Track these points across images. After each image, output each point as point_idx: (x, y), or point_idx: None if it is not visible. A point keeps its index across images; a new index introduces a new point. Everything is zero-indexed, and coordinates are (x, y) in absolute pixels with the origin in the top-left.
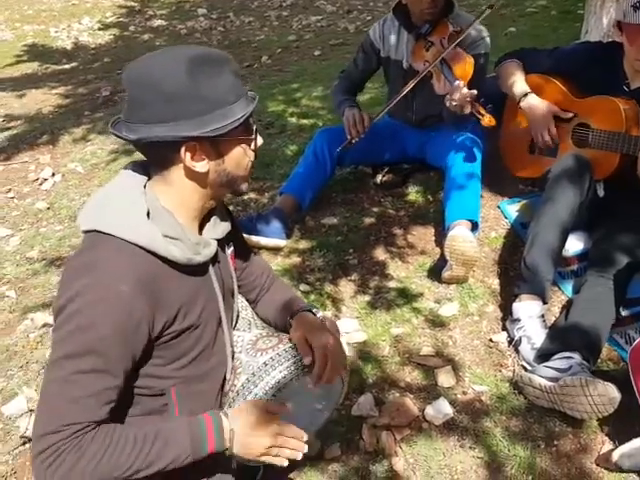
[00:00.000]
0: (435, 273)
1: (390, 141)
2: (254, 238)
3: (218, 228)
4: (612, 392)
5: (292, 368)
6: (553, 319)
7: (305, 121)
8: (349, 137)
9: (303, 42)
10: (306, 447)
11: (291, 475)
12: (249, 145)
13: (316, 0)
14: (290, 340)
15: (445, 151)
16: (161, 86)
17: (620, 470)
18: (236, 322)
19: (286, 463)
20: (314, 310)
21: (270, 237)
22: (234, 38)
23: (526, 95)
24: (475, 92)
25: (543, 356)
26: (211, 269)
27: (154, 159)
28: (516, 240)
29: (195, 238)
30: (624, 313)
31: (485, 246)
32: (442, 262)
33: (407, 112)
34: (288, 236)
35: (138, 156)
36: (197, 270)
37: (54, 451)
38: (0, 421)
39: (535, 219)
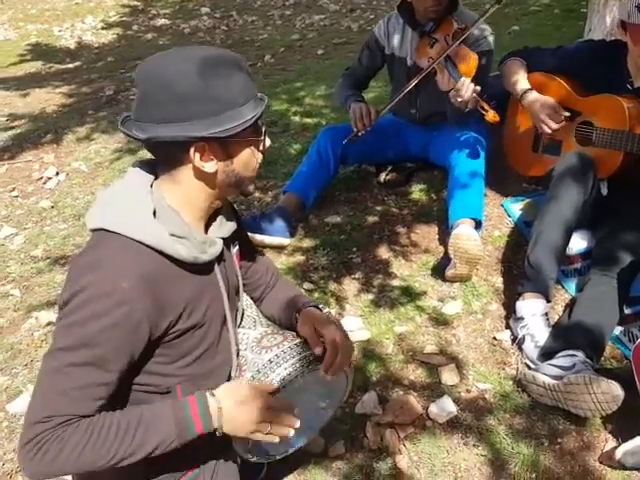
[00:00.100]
0: (439, 271)
1: (393, 139)
2: (258, 237)
3: (224, 227)
4: (615, 390)
5: (297, 365)
6: (557, 317)
7: (308, 120)
8: (355, 130)
9: (306, 41)
10: (297, 422)
11: (295, 473)
12: (257, 146)
13: None
14: (295, 337)
15: (448, 150)
16: (173, 86)
17: (623, 467)
18: (241, 320)
19: (277, 439)
20: (320, 306)
21: (274, 236)
22: (237, 37)
23: (527, 92)
24: (479, 88)
25: (547, 354)
26: (216, 268)
27: (163, 158)
28: (520, 239)
29: (201, 237)
30: (627, 311)
31: (488, 245)
32: (446, 260)
33: (411, 109)
34: (292, 235)
35: (141, 155)
36: (203, 269)
37: (38, 441)
38: (5, 419)
39: (539, 218)
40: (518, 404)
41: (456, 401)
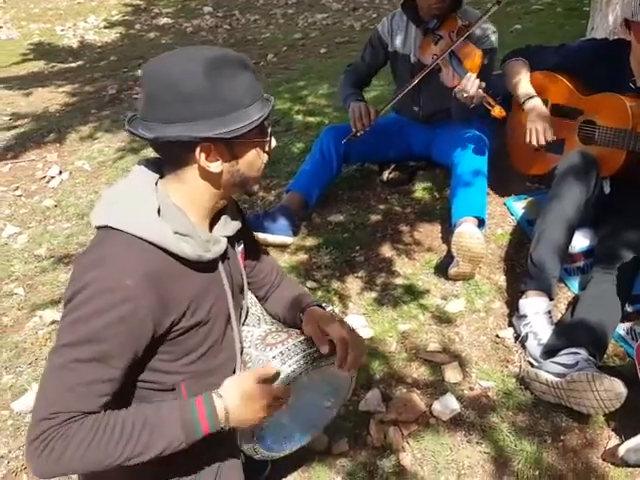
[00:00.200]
0: (441, 270)
1: (396, 138)
2: (261, 235)
3: (229, 226)
4: (618, 387)
5: (301, 362)
6: (559, 315)
7: (311, 119)
8: (354, 130)
9: (309, 40)
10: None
11: (299, 470)
12: (263, 147)
13: None
14: (299, 335)
15: (451, 148)
16: (179, 87)
17: (626, 465)
18: (245, 318)
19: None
20: (323, 305)
21: (277, 234)
22: (240, 36)
23: (530, 98)
24: (485, 84)
25: (549, 352)
26: (221, 266)
27: (169, 158)
28: (522, 237)
29: (205, 235)
30: (630, 309)
31: (491, 243)
32: (448, 259)
33: (414, 107)
34: (295, 233)
35: (145, 154)
36: (207, 267)
37: (44, 439)
38: (10, 417)
39: (541, 216)
40: (521, 402)
41: (459, 399)
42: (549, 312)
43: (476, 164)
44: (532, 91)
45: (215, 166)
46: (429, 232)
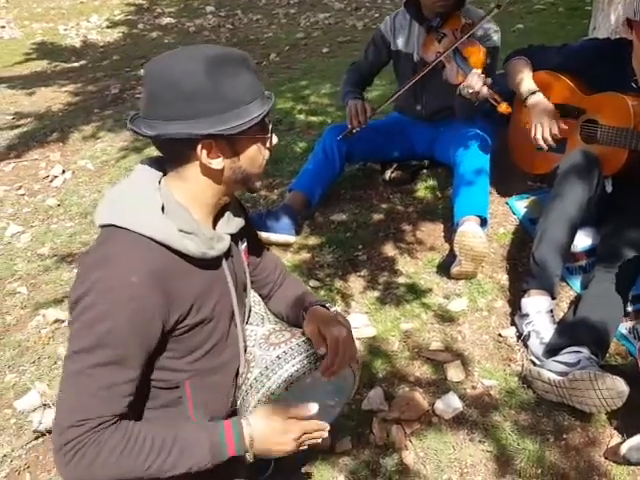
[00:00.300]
0: (444, 269)
1: (399, 137)
2: (264, 234)
3: (232, 223)
4: (620, 386)
5: (305, 362)
6: (561, 314)
7: (314, 118)
8: (350, 127)
9: (311, 39)
10: (325, 433)
11: (302, 469)
12: (264, 144)
13: None
14: (303, 334)
15: (454, 147)
16: (180, 84)
17: (628, 463)
18: (249, 316)
19: (306, 447)
20: (327, 305)
21: (280, 233)
22: (242, 36)
23: (533, 93)
24: (490, 80)
25: (552, 351)
26: (224, 263)
27: (170, 155)
28: (524, 236)
29: (209, 233)
30: (632, 308)
31: (494, 242)
32: (451, 258)
33: (416, 106)
34: (297, 232)
35: (148, 153)
36: (211, 264)
37: (74, 445)
38: (13, 416)
39: (543, 215)
40: (523, 400)
41: (462, 397)
42: (551, 311)
43: (478, 163)
44: (535, 87)
45: (217, 163)
46: (431, 231)
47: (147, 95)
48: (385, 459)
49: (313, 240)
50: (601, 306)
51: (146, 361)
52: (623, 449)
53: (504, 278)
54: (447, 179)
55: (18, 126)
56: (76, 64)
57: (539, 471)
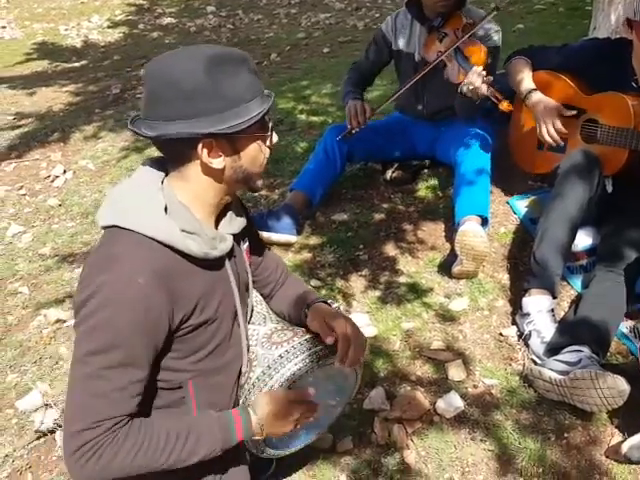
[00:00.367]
0: (445, 268)
1: (400, 137)
2: (265, 234)
3: (234, 223)
4: (621, 385)
5: (307, 360)
6: (562, 314)
7: (315, 118)
8: (349, 127)
9: (312, 39)
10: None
11: (304, 469)
12: (264, 142)
13: None
14: (305, 333)
15: (455, 147)
16: (180, 84)
17: (629, 462)
18: (251, 316)
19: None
20: (329, 302)
21: (281, 233)
22: (243, 36)
23: (531, 92)
24: (492, 78)
25: (553, 350)
26: (227, 263)
27: (171, 155)
28: (525, 236)
29: (212, 233)
30: (633, 307)
31: (494, 241)
32: (452, 257)
33: (417, 106)
34: (299, 232)
35: (149, 153)
36: (214, 264)
37: (91, 447)
38: (15, 416)
39: (544, 215)
40: (525, 399)
41: (463, 396)
42: (552, 310)
43: (479, 163)
44: (533, 85)
45: (218, 162)
46: (432, 231)
47: (147, 95)
48: (387, 458)
49: (314, 240)
50: (602, 305)
51: (154, 360)
52: (624, 448)
53: (505, 277)
54: (448, 179)
55: (19, 126)
56: (77, 64)
57: (540, 470)
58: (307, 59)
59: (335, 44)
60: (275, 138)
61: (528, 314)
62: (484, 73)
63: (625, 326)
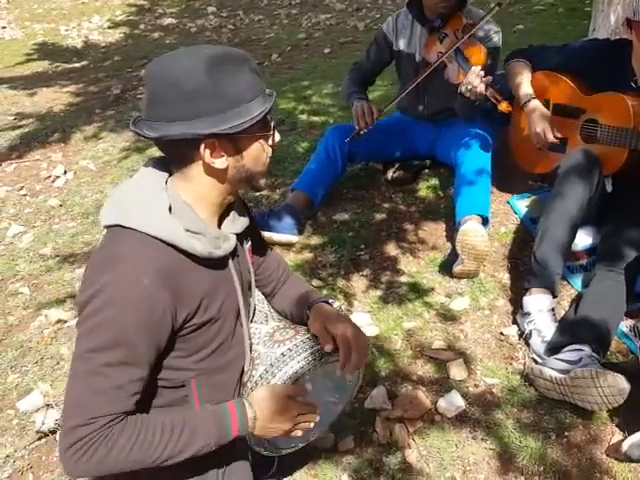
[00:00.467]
0: (446, 268)
1: (401, 137)
2: (266, 234)
3: (237, 223)
4: (622, 383)
5: (309, 359)
6: (563, 313)
7: (316, 118)
8: (357, 128)
9: (313, 40)
10: (317, 417)
11: (305, 468)
12: (267, 141)
13: None
14: (307, 331)
15: (455, 147)
16: (181, 85)
17: (630, 460)
18: (253, 315)
19: (300, 434)
20: (330, 301)
21: (282, 233)
22: (244, 36)
23: (530, 100)
24: (491, 78)
25: (553, 349)
26: (230, 263)
27: (174, 156)
28: (526, 235)
29: (215, 232)
30: (633, 306)
31: (495, 241)
32: (453, 257)
33: (418, 106)
34: (300, 232)
35: (150, 153)
36: (217, 264)
37: (85, 443)
38: (16, 416)
39: (544, 214)
40: (525, 398)
41: (464, 396)
42: (553, 309)
43: (480, 163)
44: (531, 92)
45: (220, 162)
46: (433, 230)
47: (148, 96)
48: (388, 457)
49: (315, 240)
50: (602, 304)
51: (156, 359)
52: (624, 446)
53: (505, 277)
54: (449, 179)
55: (20, 126)
56: (77, 64)
57: (541, 468)
58: (308, 59)
59: (336, 45)
60: (277, 137)
61: (529, 313)
62: (482, 74)
63: (625, 325)
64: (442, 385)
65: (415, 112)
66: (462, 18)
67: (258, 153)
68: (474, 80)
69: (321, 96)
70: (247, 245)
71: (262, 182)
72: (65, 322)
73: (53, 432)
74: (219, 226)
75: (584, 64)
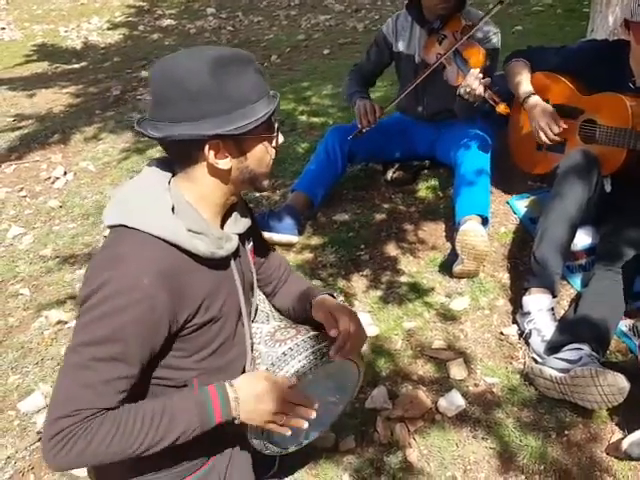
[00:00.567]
0: (446, 268)
1: (400, 138)
2: (267, 234)
3: (239, 223)
4: (621, 382)
5: (311, 358)
6: (562, 312)
7: (315, 119)
8: (360, 126)
9: (312, 41)
10: (313, 414)
11: (306, 467)
12: (271, 142)
13: None
14: (308, 331)
15: (454, 148)
16: (185, 85)
17: (630, 458)
18: (255, 315)
19: (289, 432)
20: (334, 294)
21: (283, 233)
22: (243, 37)
23: (529, 96)
24: (489, 79)
25: (553, 348)
26: (232, 263)
27: (178, 157)
28: (525, 235)
29: (218, 233)
30: (632, 306)
31: (495, 241)
32: (453, 257)
33: (418, 107)
34: (300, 232)
35: (150, 154)
36: (219, 264)
37: (65, 435)
38: (17, 417)
39: (544, 214)
40: (525, 397)
41: (464, 395)
42: (552, 309)
43: (479, 163)
44: (531, 89)
45: (224, 163)
46: (433, 231)
47: (153, 97)
48: (389, 457)
49: (316, 240)
50: (601, 304)
51: (149, 360)
52: (624, 445)
53: (505, 277)
54: (448, 179)
55: (19, 128)
56: (77, 66)
57: (542, 467)
58: (307, 60)
59: (335, 46)
60: (281, 139)
61: (528, 313)
62: (481, 76)
63: (624, 324)
64: (442, 385)
65: (414, 113)
66: (461, 19)
67: (262, 154)
68: (473, 83)
69: (321, 97)
70: (249, 245)
71: (265, 183)
72: (65, 323)
73: None
74: (222, 226)
75: (583, 65)
